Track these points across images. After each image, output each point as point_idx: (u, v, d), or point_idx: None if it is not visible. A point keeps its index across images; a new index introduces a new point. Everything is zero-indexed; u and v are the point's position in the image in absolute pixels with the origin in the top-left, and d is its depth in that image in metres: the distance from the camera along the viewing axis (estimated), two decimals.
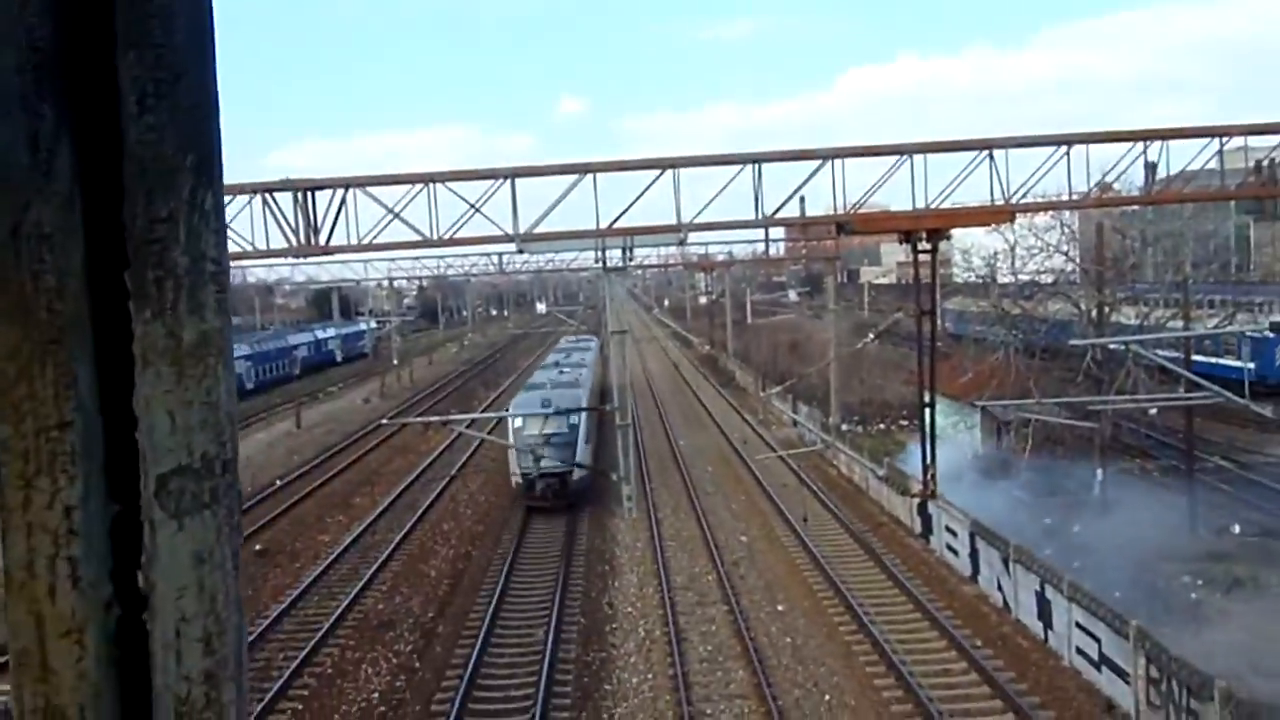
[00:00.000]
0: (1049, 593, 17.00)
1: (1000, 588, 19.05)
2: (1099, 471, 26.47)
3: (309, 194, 19.80)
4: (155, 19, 0.60)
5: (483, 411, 42.98)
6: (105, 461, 0.61)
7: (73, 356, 0.60)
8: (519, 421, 27.52)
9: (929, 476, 20.28)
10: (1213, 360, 33.16)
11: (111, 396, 0.62)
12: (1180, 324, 27.89)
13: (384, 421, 34.88)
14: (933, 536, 22.87)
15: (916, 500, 23.21)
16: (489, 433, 29.85)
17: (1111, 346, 25.24)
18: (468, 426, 31.59)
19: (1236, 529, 24.01)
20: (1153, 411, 27.83)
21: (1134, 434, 30.62)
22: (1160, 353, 25.49)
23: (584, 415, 27.26)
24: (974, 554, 20.40)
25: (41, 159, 0.60)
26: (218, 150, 0.63)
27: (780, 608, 19.51)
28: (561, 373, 33.77)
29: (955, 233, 23.38)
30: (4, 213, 0.60)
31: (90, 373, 0.61)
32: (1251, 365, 31.57)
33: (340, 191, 19.95)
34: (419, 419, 35.54)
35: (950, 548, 21.80)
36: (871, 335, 32.53)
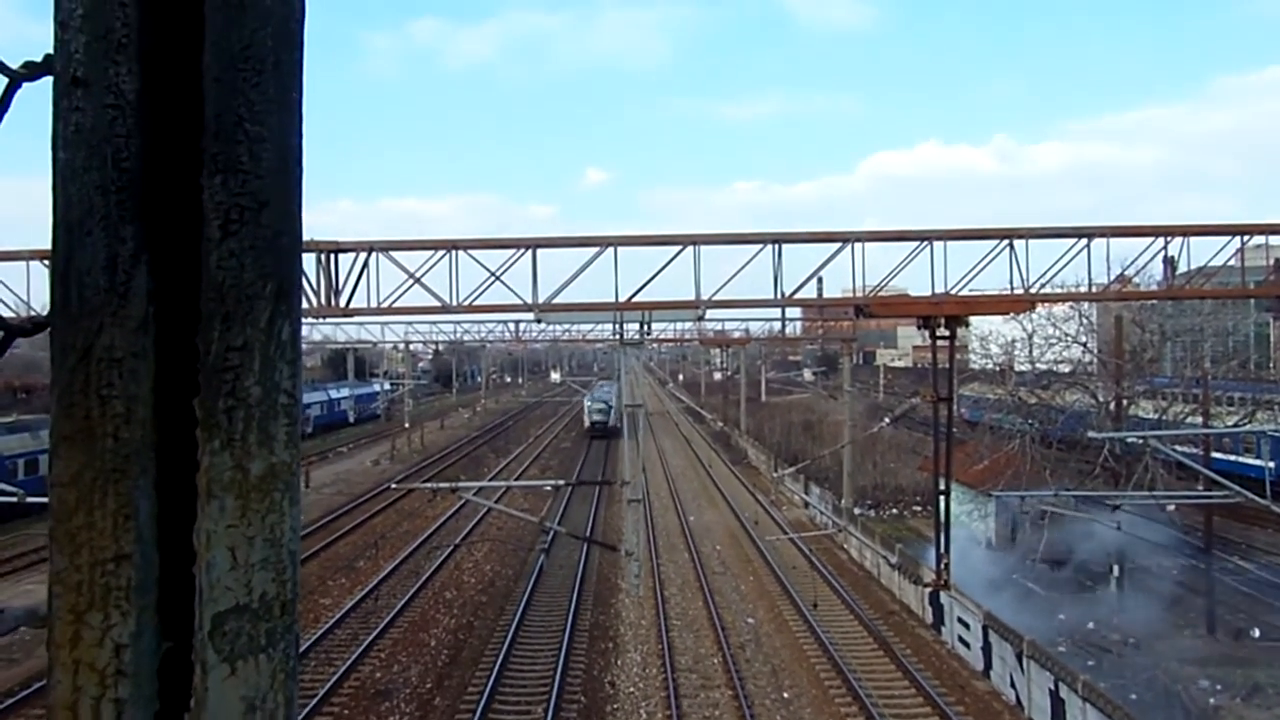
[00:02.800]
0: (1063, 692, 16.51)
1: (1013, 684, 18.53)
2: (1115, 567, 25.95)
3: (333, 256, 20.05)
4: (244, 145, 0.59)
5: (491, 479, 42.75)
6: (159, 597, 0.58)
7: (135, 487, 0.58)
8: (589, 402, 65.35)
9: (942, 566, 19.88)
10: (1232, 458, 32.73)
11: (170, 528, 0.59)
12: (1199, 420, 27.60)
13: (393, 485, 34.68)
14: (944, 627, 22.36)
15: (929, 589, 22.75)
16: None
17: (1129, 440, 24.96)
18: (475, 494, 31.35)
19: (1256, 633, 23.39)
20: (1171, 508, 27.38)
21: (1151, 530, 30.07)
22: (1179, 449, 25.18)
23: (612, 402, 56.45)
24: (986, 647, 19.91)
25: (119, 282, 0.58)
26: (298, 280, 0.62)
27: (786, 695, 19.01)
28: (604, 391, 66.81)
29: (973, 319, 23.37)
30: (76, 335, 0.58)
31: (151, 504, 0.58)
32: (1272, 464, 31.11)
33: (363, 254, 20.18)
34: (427, 484, 35.31)
35: (962, 640, 21.29)
36: (887, 420, 32.33)
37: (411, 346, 71.06)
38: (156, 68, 0.60)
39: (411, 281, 20.45)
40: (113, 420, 0.58)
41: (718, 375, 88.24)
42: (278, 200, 0.60)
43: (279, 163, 0.61)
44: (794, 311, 50.04)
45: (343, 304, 20.37)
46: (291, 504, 0.61)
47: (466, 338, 64.76)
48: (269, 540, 0.59)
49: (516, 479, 42.72)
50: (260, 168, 0.60)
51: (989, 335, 39.23)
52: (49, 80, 0.67)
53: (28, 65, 0.66)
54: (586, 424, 63.75)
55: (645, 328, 27.09)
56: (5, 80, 0.67)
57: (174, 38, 0.60)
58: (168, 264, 0.60)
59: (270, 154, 0.60)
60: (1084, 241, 20.48)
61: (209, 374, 0.59)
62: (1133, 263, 22.20)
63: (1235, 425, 31.15)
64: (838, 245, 20.65)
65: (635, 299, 21.11)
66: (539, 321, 26.14)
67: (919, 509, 36.70)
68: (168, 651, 0.59)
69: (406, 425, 59.83)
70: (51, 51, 0.63)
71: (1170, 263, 23.30)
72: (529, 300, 20.68)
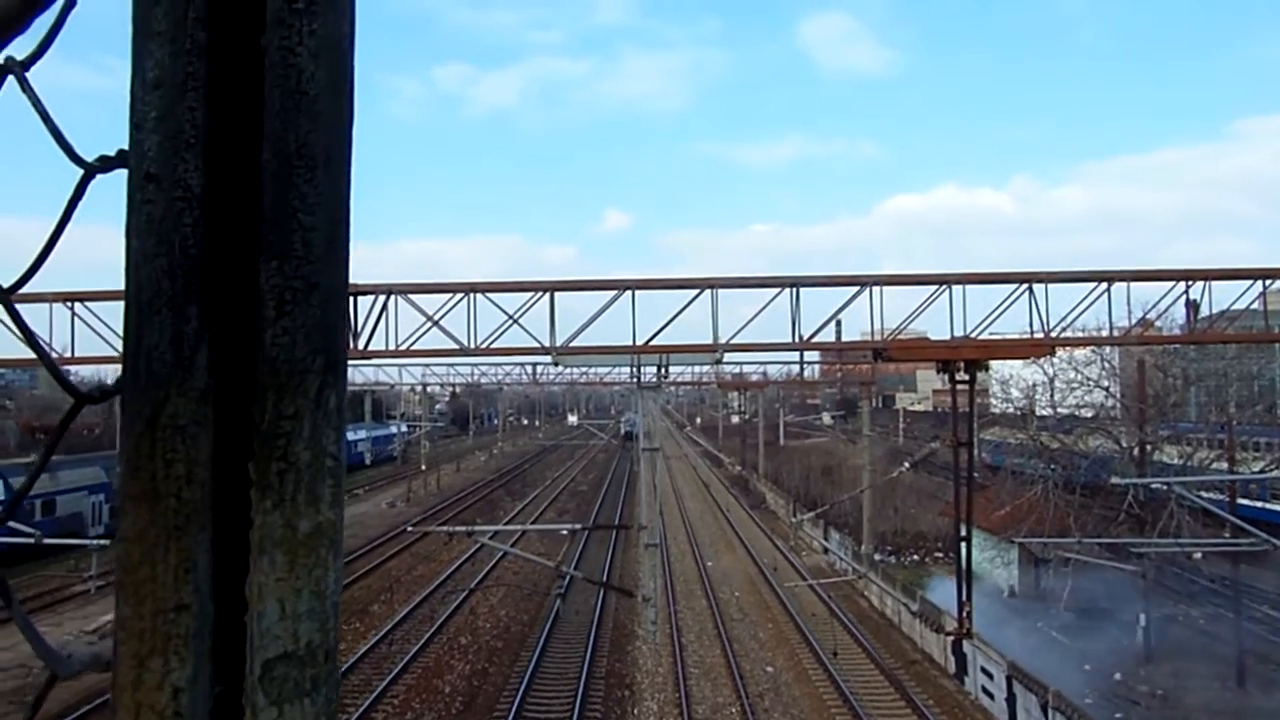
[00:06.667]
0: None
1: None
2: (1142, 616, 25.51)
3: (351, 298, 20.27)
4: (298, 233, 0.67)
5: (507, 522, 42.67)
6: (213, 644, 0.64)
7: (195, 542, 0.64)
8: (624, 420, 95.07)
9: (964, 614, 19.62)
10: (1259, 505, 32.23)
11: (224, 581, 0.65)
12: (1224, 466, 27.26)
13: (408, 528, 34.68)
14: (967, 677, 22.00)
15: (951, 638, 22.42)
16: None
17: (1154, 486, 24.67)
18: (491, 538, 31.28)
19: None
20: (1197, 556, 26.95)
21: (1178, 578, 29.59)
22: (1204, 495, 24.85)
23: (639, 422, 43.49)
24: (1011, 699, 19.55)
25: (183, 357, 0.65)
26: (344, 354, 0.69)
27: None
28: (630, 420, 77.81)
29: (994, 363, 23.30)
30: (144, 404, 0.65)
31: (208, 558, 0.64)
32: None
33: (382, 297, 20.43)
34: (443, 528, 35.30)
35: (986, 690, 20.92)
36: (907, 464, 32.14)
37: (429, 389, 71.41)
38: (220, 164, 0.67)
39: (429, 324, 20.69)
40: (175, 481, 0.64)
41: (735, 419, 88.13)
42: (327, 283, 0.68)
43: (328, 249, 0.68)
44: (812, 355, 50.02)
45: (361, 346, 20.61)
46: (335, 558, 0.67)
47: (484, 380, 65.05)
48: (314, 593, 0.65)
49: (533, 522, 42.62)
50: (312, 254, 0.67)
51: (1010, 379, 39.03)
52: (118, 171, 0.74)
53: (102, 159, 0.74)
54: (622, 433, 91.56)
55: (663, 371, 27.18)
56: (81, 172, 0.74)
57: (236, 138, 0.67)
58: (227, 341, 0.67)
59: (320, 241, 0.67)
60: (1104, 285, 20.45)
61: (263, 440, 0.65)
62: (1154, 306, 22.13)
63: (1262, 471, 30.75)
64: (856, 289, 20.73)
65: (653, 342, 21.22)
66: (556, 364, 26.25)
67: (940, 555, 36.28)
68: (220, 695, 0.64)
69: (423, 468, 59.94)
70: (124, 148, 0.70)
71: (1192, 306, 23.18)
72: (546, 343, 20.85)
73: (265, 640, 0.64)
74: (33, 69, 0.76)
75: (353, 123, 0.70)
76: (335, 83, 0.68)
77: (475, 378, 62.91)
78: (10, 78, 0.76)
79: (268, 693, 0.63)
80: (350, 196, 0.70)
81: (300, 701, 0.64)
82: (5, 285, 0.76)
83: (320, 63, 0.67)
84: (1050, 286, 20.46)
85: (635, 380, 30.10)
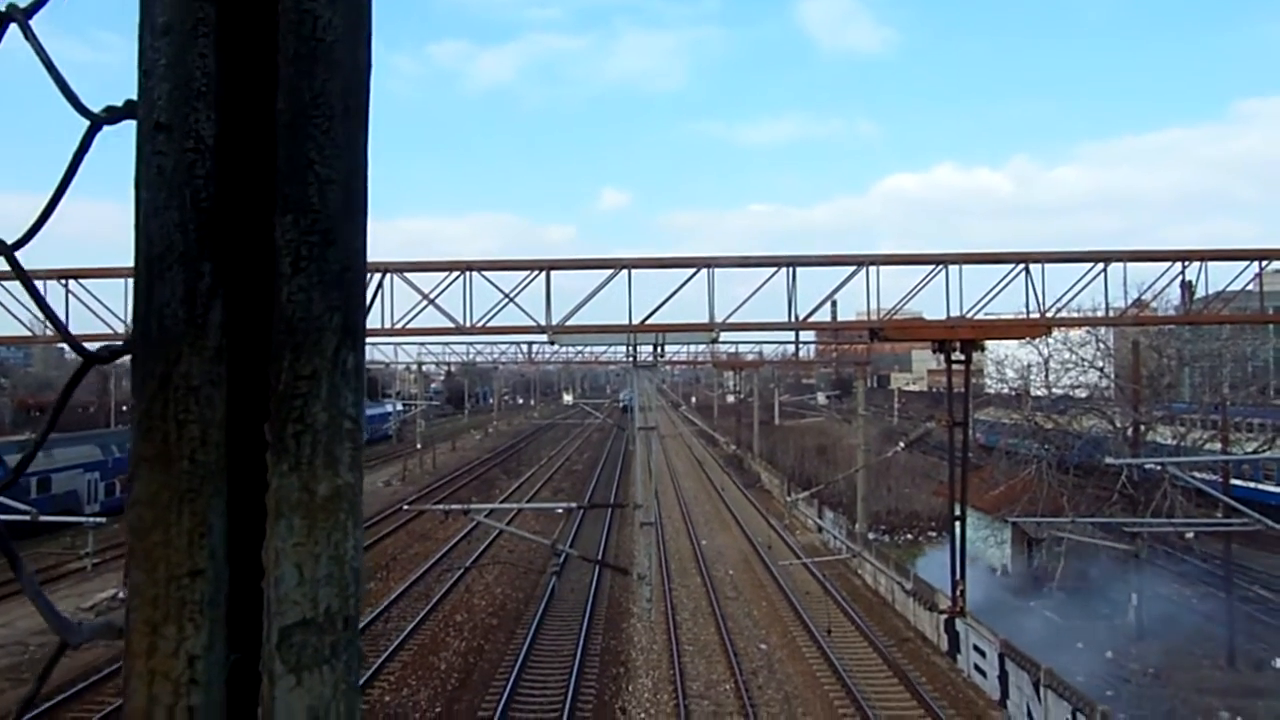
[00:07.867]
0: None
1: (1030, 714, 18.30)
2: (1134, 595, 25.67)
3: None
4: (313, 186, 0.64)
5: (503, 501, 42.71)
6: (229, 610, 0.62)
7: (209, 506, 0.62)
8: (623, 395, 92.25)
9: (958, 593, 19.73)
10: (1252, 485, 32.40)
11: (240, 546, 0.63)
12: (1218, 446, 27.37)
13: (405, 506, 34.74)
14: (960, 655, 22.15)
15: (944, 617, 22.56)
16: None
17: (1147, 467, 24.76)
18: (486, 516, 31.33)
19: (1278, 663, 23.05)
20: (1190, 536, 27.09)
21: (1170, 558, 29.77)
22: (1197, 475, 24.96)
23: (634, 398, 43.21)
24: (1003, 676, 19.70)
25: (196, 314, 0.63)
26: (362, 312, 0.66)
27: None
28: (628, 395, 71.08)
29: (989, 344, 23.31)
30: (156, 363, 0.62)
31: (223, 522, 0.62)
32: None
33: (377, 276, 20.37)
34: (439, 506, 35.34)
35: (978, 668, 21.07)
36: (902, 444, 32.21)
37: (424, 367, 71.32)
38: (233, 114, 0.64)
39: (425, 303, 20.63)
40: (189, 443, 0.62)
41: (731, 398, 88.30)
42: (344, 238, 0.65)
43: (345, 203, 0.65)
44: (808, 334, 49.98)
45: None
46: (354, 524, 0.65)
47: (479, 359, 65.03)
48: (334, 557, 0.63)
49: (528, 501, 42.70)
50: (328, 207, 0.64)
51: (1005, 359, 39.10)
52: (125, 123, 0.72)
53: (109, 110, 0.71)
54: (620, 407, 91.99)
55: (659, 350, 27.14)
56: (87, 123, 0.71)
57: (249, 86, 0.65)
58: (241, 297, 0.64)
59: (337, 195, 0.65)
60: (1100, 266, 20.46)
61: (279, 401, 0.63)
62: (1150, 287, 22.14)
63: (1255, 451, 30.87)
64: (852, 268, 20.70)
65: (649, 321, 21.20)
66: (552, 343, 26.19)
67: (934, 534, 36.44)
68: (236, 662, 0.62)
69: (418, 446, 59.97)
70: (133, 98, 0.67)
71: (1188, 287, 23.20)
72: (542, 322, 20.82)
73: (283, 606, 0.62)
74: (35, 16, 0.73)
75: (370, 72, 0.67)
76: (353, 29, 0.65)
77: (471, 356, 62.85)
78: (13, 26, 0.73)
79: (286, 660, 0.61)
80: (369, 149, 0.67)
81: (319, 669, 0.62)
82: (9, 242, 0.73)
83: (337, 8, 0.64)
84: (1047, 267, 20.46)
85: (631, 359, 30.07)
